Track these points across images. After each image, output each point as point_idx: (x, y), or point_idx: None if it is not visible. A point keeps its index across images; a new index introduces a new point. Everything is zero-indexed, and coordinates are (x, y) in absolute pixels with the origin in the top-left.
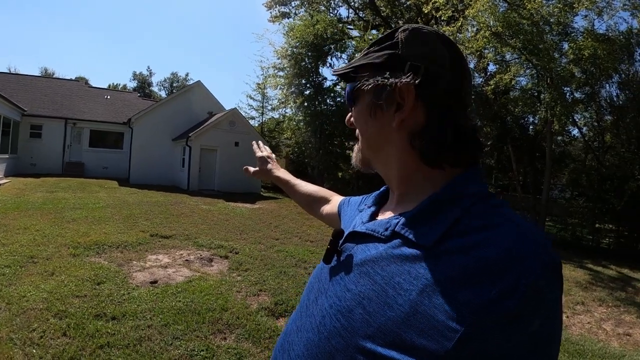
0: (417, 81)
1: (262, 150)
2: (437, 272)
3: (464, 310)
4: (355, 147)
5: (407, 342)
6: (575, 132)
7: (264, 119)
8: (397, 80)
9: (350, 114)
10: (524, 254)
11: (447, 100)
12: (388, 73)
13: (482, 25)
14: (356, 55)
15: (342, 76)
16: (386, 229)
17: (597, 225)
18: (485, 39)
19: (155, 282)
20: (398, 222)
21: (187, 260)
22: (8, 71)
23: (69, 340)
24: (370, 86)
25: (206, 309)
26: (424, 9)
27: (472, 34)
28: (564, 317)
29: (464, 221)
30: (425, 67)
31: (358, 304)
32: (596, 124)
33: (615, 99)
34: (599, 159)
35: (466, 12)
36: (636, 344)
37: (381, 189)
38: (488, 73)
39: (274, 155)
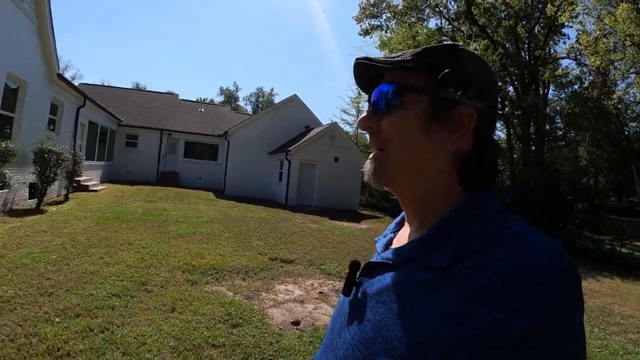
0: (483, 106)
1: None
2: (450, 294)
3: (477, 331)
4: (373, 157)
5: None
6: None
7: (358, 133)
8: (467, 101)
9: (367, 114)
10: (536, 270)
11: (490, 126)
12: (451, 88)
13: (622, 34)
14: None
15: (378, 68)
16: (400, 255)
17: None
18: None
19: (297, 323)
20: (411, 247)
21: (321, 292)
22: (102, 84)
23: None
24: (427, 96)
25: None
26: (547, 10)
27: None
28: None
29: (476, 242)
30: (489, 92)
31: (377, 333)
32: None
33: None
34: None
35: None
36: None
37: (399, 216)
38: (606, 87)
39: None
